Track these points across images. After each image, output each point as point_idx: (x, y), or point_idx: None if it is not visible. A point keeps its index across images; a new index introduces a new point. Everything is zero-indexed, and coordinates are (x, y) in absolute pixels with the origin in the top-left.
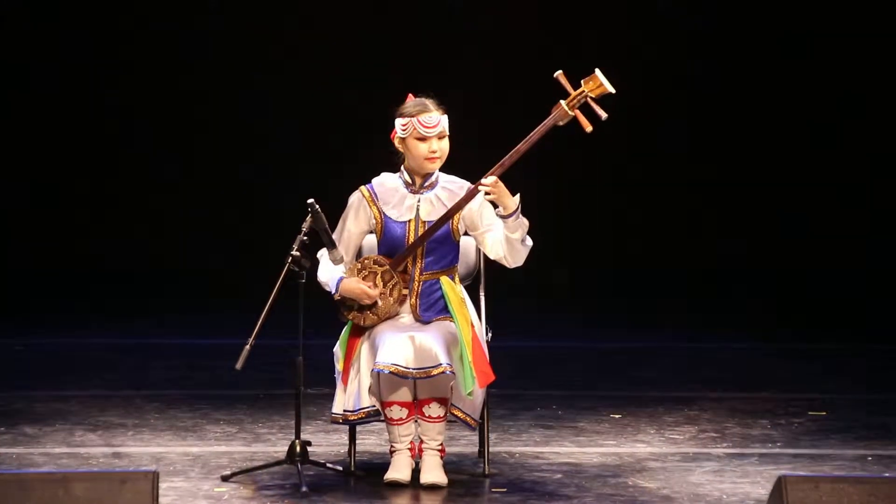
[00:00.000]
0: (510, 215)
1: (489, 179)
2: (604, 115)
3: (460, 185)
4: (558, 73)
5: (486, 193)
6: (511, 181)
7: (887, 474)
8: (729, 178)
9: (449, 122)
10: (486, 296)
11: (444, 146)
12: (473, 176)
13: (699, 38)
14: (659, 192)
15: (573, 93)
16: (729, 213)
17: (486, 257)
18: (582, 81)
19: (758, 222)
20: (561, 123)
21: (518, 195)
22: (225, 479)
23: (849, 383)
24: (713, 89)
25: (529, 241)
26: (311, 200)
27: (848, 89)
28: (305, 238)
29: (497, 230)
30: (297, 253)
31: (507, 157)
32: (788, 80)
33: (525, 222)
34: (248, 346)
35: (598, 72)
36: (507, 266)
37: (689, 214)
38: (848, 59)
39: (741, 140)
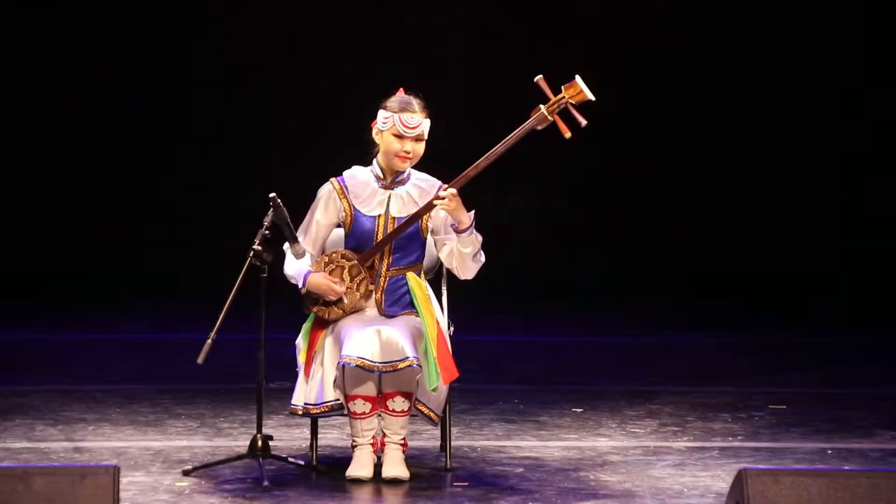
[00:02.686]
0: (464, 231)
1: (449, 191)
2: (583, 121)
3: (432, 184)
4: (539, 78)
5: (443, 204)
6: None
7: (846, 467)
8: (702, 184)
9: (430, 124)
10: (447, 290)
11: (418, 149)
12: (450, 177)
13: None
14: (623, 191)
15: (553, 98)
16: (699, 216)
17: None
18: (563, 87)
19: (726, 225)
20: (539, 128)
21: (473, 212)
22: (186, 473)
23: (808, 377)
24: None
25: (482, 258)
26: (272, 194)
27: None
28: (267, 232)
29: (454, 241)
30: (259, 247)
31: (483, 158)
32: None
33: (478, 239)
34: (209, 341)
35: (578, 78)
36: (458, 277)
37: (657, 213)
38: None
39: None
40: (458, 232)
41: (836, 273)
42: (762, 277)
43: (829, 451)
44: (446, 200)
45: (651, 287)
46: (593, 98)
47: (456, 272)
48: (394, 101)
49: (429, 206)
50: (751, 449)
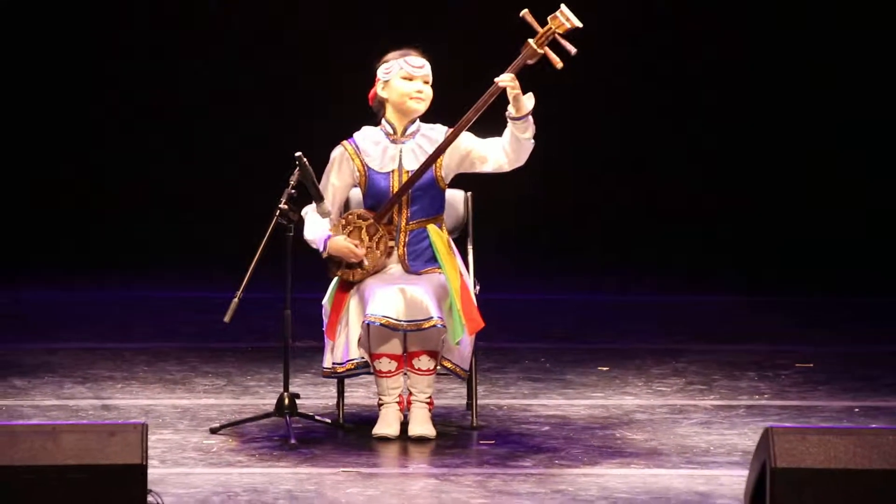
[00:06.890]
0: (523, 117)
1: (506, 76)
2: (573, 50)
3: (440, 131)
4: (524, 12)
5: (506, 84)
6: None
7: (873, 425)
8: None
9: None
10: (473, 248)
11: (428, 91)
12: (449, 121)
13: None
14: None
15: (540, 30)
16: (720, 165)
17: (474, 210)
18: (549, 18)
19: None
20: (531, 62)
21: (531, 94)
22: (213, 431)
23: (835, 335)
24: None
25: (532, 141)
26: (298, 153)
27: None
28: (293, 191)
29: (492, 141)
30: (285, 206)
31: (480, 101)
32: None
33: (532, 121)
34: (236, 300)
35: (563, 7)
36: (506, 170)
37: (678, 165)
38: None
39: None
40: (516, 119)
41: (865, 234)
42: (791, 235)
43: (857, 409)
44: (509, 83)
45: (677, 244)
46: (580, 25)
47: (507, 165)
48: (392, 53)
49: (440, 151)
50: (777, 407)
